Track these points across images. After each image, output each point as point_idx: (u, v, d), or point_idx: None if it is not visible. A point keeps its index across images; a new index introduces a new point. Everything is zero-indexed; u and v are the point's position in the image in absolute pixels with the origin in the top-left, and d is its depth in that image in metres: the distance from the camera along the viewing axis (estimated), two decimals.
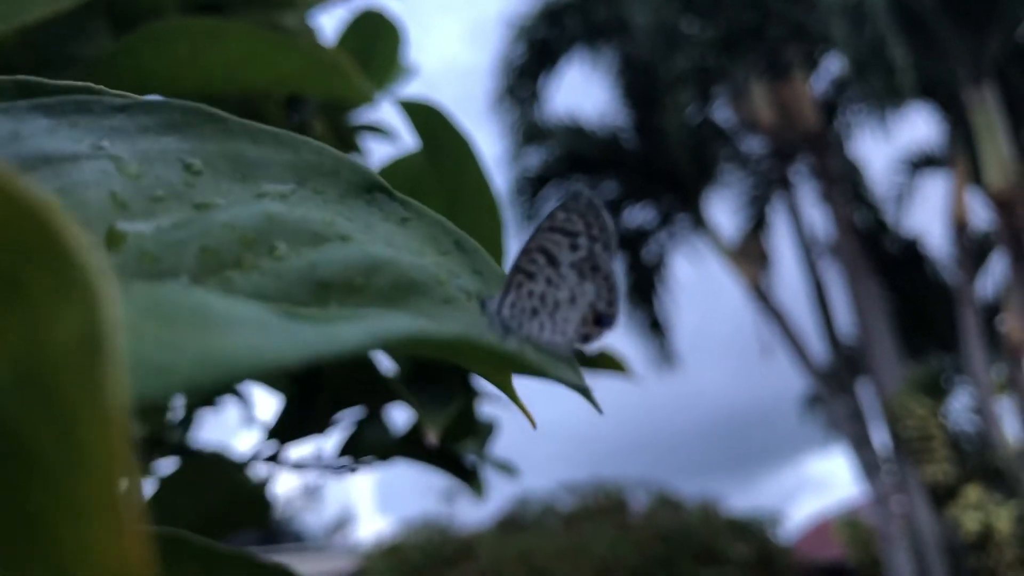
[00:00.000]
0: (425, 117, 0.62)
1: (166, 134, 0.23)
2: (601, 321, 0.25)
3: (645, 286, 11.07)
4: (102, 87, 0.26)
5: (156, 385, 0.14)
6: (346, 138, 0.86)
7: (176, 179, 0.22)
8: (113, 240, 0.20)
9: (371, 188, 0.24)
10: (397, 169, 0.74)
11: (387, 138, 0.88)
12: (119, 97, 0.24)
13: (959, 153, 9.87)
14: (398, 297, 0.21)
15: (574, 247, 0.25)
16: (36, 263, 0.12)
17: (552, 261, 0.25)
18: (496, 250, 0.67)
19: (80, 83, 0.26)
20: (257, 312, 0.17)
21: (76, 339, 0.11)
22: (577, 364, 0.23)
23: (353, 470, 0.76)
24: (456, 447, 0.80)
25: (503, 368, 0.19)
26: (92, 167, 0.22)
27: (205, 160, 0.23)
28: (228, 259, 0.20)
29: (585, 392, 0.22)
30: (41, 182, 0.21)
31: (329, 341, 0.15)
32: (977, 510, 8.24)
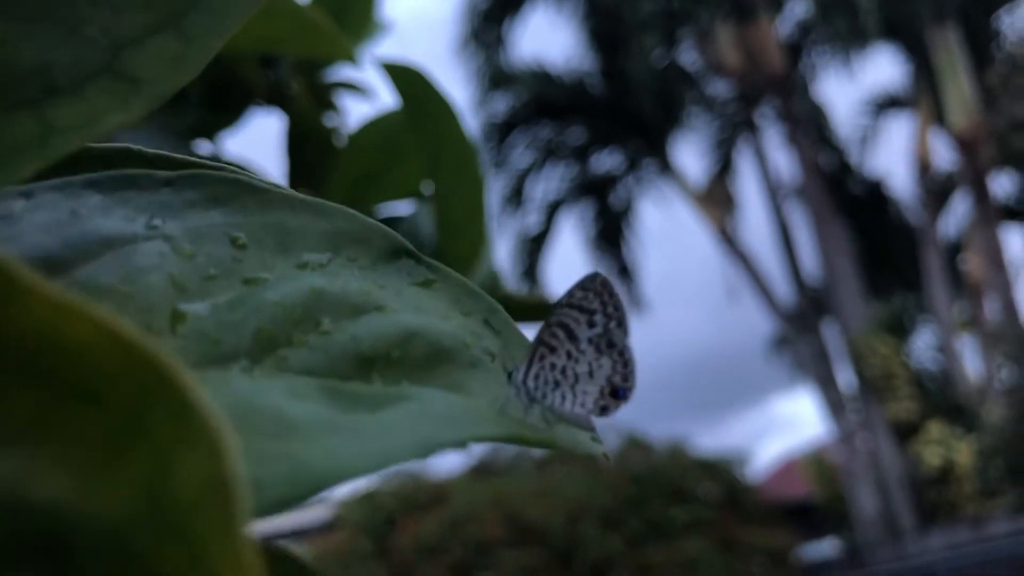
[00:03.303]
0: (407, 79, 0.63)
1: (211, 207, 0.25)
2: (617, 394, 0.27)
3: (613, 231, 11.11)
4: (141, 149, 0.28)
5: (255, 502, 0.16)
6: (322, 96, 0.86)
7: (225, 255, 0.24)
8: (175, 321, 0.23)
9: (398, 253, 0.26)
10: (376, 128, 0.75)
11: (363, 96, 0.88)
12: (162, 168, 0.26)
13: (923, 94, 9.94)
14: (432, 366, 0.23)
15: (591, 324, 0.27)
16: (158, 408, 0.14)
17: (571, 336, 0.27)
18: (477, 211, 0.68)
19: (119, 146, 0.28)
20: (319, 409, 0.19)
21: (202, 481, 0.14)
22: (598, 434, 0.26)
23: None
24: None
25: (538, 447, 0.21)
26: (150, 249, 0.24)
27: (249, 233, 0.25)
28: (281, 338, 0.22)
29: (606, 457, 0.25)
30: (108, 269, 0.23)
31: (393, 449, 0.18)
32: (939, 445, 8.45)
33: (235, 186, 0.26)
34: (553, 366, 0.27)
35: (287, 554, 0.50)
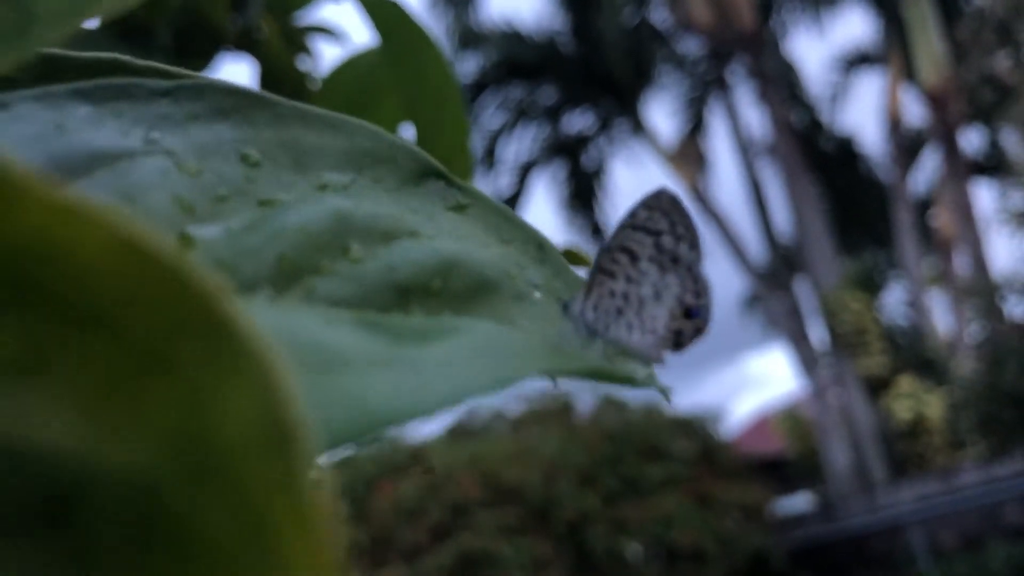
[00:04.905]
0: (385, 13, 0.60)
1: (217, 121, 0.22)
2: (691, 314, 0.24)
3: (585, 192, 11.07)
4: (130, 60, 0.25)
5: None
6: (295, 39, 0.84)
7: (236, 174, 0.21)
8: (184, 246, 0.19)
9: (427, 174, 0.23)
10: (351, 68, 0.73)
11: (335, 39, 0.86)
12: (160, 78, 0.23)
13: (893, 50, 9.94)
14: (475, 298, 0.20)
15: (658, 247, 0.24)
16: (187, 334, 0.11)
17: (634, 261, 0.24)
18: (460, 148, 0.66)
19: (107, 56, 0.25)
20: (363, 340, 0.16)
21: (252, 424, 0.11)
22: (653, 366, 0.23)
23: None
24: None
25: (595, 380, 0.19)
26: (149, 165, 0.20)
27: (261, 150, 0.22)
28: (307, 265, 0.19)
29: (665, 394, 0.22)
30: (101, 187, 0.20)
31: (461, 385, 0.15)
32: (909, 399, 8.54)
33: (241, 98, 0.23)
34: (612, 292, 0.23)
35: None
